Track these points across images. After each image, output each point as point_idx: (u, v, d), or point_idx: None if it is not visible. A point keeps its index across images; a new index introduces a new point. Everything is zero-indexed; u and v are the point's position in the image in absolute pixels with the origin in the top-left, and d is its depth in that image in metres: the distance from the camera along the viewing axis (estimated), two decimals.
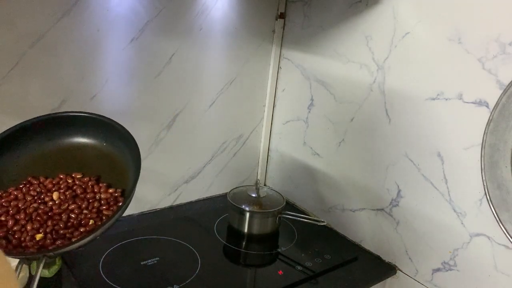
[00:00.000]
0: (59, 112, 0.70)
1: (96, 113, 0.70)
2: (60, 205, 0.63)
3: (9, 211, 0.61)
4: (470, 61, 0.83)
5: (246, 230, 1.10)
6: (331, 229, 1.18)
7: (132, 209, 1.13)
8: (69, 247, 0.55)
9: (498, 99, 0.79)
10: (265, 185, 1.41)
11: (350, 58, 1.07)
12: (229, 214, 1.14)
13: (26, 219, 0.60)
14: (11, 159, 0.65)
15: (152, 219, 1.15)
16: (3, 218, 0.59)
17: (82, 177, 0.67)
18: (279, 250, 1.06)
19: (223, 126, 1.26)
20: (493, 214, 0.81)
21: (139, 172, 0.64)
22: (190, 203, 1.26)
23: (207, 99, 1.19)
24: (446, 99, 0.88)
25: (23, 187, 0.64)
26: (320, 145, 1.20)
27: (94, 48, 0.95)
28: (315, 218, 1.13)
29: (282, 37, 1.27)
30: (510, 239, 0.79)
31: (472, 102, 0.84)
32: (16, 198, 0.63)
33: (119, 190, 0.66)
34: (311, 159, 1.23)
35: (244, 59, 1.22)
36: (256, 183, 1.15)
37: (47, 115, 0.69)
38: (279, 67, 1.30)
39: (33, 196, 0.63)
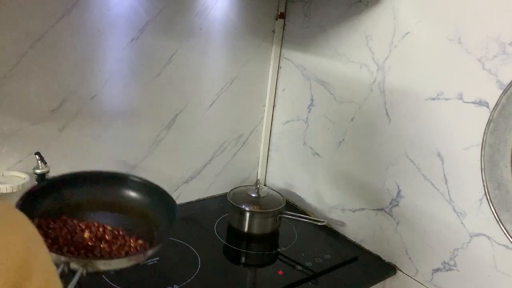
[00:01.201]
0: (119, 172, 0.81)
1: (146, 179, 0.80)
2: (93, 241, 0.69)
3: (49, 235, 0.66)
4: (470, 61, 0.83)
5: (246, 230, 1.10)
6: (331, 229, 1.18)
7: None
8: (108, 261, 0.63)
9: (498, 99, 0.79)
10: (265, 185, 1.41)
11: (350, 58, 1.07)
12: (229, 214, 1.14)
13: (65, 243, 0.66)
14: (69, 194, 0.73)
15: None
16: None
17: (112, 229, 0.74)
18: (279, 250, 1.06)
19: (223, 126, 1.26)
20: (493, 214, 0.81)
21: (171, 230, 0.71)
22: (190, 203, 1.26)
23: (207, 99, 1.19)
24: (446, 99, 0.88)
25: (65, 219, 0.71)
26: (320, 145, 1.20)
27: (94, 48, 0.95)
28: (315, 218, 1.13)
29: (282, 37, 1.27)
30: (510, 239, 0.79)
31: (472, 102, 0.84)
32: (59, 227, 0.68)
33: (147, 243, 0.72)
34: (311, 159, 1.23)
35: (244, 59, 1.22)
36: (256, 183, 1.15)
37: (109, 172, 0.79)
38: (279, 67, 1.30)
39: (68, 229, 0.69)
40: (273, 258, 1.04)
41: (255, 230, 1.10)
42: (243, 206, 1.09)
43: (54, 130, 0.95)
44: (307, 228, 1.15)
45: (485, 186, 0.82)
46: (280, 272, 0.98)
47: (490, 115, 0.80)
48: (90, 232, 0.69)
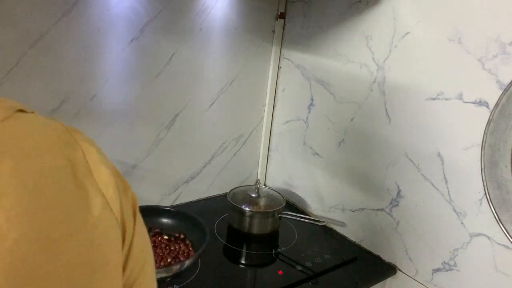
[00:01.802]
0: (165, 206, 1.02)
1: (187, 212, 1.00)
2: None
3: None
4: (470, 61, 0.83)
5: (246, 230, 1.10)
6: (331, 229, 1.18)
7: None
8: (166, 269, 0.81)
9: (498, 99, 0.79)
10: (265, 185, 1.41)
11: (350, 58, 1.07)
12: (229, 214, 1.14)
13: None
14: None
15: None
16: None
17: (168, 238, 0.97)
18: (279, 250, 1.06)
19: (223, 126, 1.26)
20: (493, 214, 0.81)
21: (203, 246, 0.89)
22: (190, 203, 1.26)
23: (207, 99, 1.19)
24: (446, 99, 0.88)
25: None
26: (320, 145, 1.20)
27: (94, 48, 0.95)
28: (315, 218, 1.13)
29: (282, 37, 1.27)
30: (510, 239, 0.79)
31: (472, 102, 0.84)
32: None
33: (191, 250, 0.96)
34: (311, 159, 1.23)
35: (244, 59, 1.22)
36: (256, 183, 1.15)
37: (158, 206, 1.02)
38: (279, 67, 1.30)
39: None
40: (273, 258, 1.04)
41: (255, 230, 1.10)
42: (243, 206, 1.09)
43: None
44: (307, 228, 1.15)
45: (485, 186, 0.82)
46: (280, 272, 0.98)
47: (490, 115, 0.80)
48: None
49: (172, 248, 0.93)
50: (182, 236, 0.98)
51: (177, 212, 0.97)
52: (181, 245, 0.95)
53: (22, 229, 0.24)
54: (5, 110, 0.28)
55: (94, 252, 0.29)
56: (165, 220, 0.96)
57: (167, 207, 0.99)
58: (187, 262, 0.86)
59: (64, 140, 0.32)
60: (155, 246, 0.92)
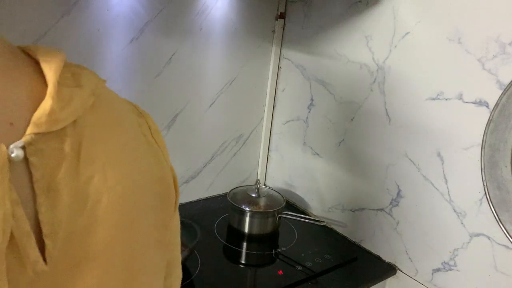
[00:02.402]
0: None
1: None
2: None
3: None
4: (470, 61, 0.83)
5: (246, 230, 1.10)
6: (331, 229, 1.18)
7: None
8: None
9: (498, 99, 0.79)
10: (265, 185, 1.41)
11: (350, 58, 1.07)
12: (229, 214, 1.14)
13: None
14: None
15: None
16: None
17: None
18: (279, 250, 1.06)
19: (223, 126, 1.26)
20: (493, 214, 0.81)
21: (195, 245, 0.93)
22: (190, 203, 1.26)
23: (207, 99, 1.19)
24: (446, 99, 0.88)
25: None
26: (320, 145, 1.20)
27: (94, 48, 0.95)
28: (315, 218, 1.13)
29: (282, 37, 1.27)
30: (510, 239, 0.79)
31: (472, 102, 0.84)
32: None
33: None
34: (311, 159, 1.23)
35: (244, 59, 1.22)
36: (256, 183, 1.15)
37: None
38: (279, 67, 1.30)
39: None
40: (273, 258, 1.04)
41: (255, 230, 1.10)
42: (243, 206, 1.09)
43: None
44: (307, 228, 1.15)
45: (485, 186, 0.82)
46: (280, 272, 0.98)
47: (490, 115, 0.80)
48: None
49: None
50: None
51: None
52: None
53: (118, 177, 0.31)
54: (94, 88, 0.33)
55: (165, 199, 0.37)
56: None
57: None
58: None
59: (132, 107, 0.39)
60: None
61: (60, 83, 0.29)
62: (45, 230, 0.26)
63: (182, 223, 0.97)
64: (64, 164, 0.28)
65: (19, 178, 0.26)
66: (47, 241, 0.26)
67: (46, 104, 0.27)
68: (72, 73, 0.31)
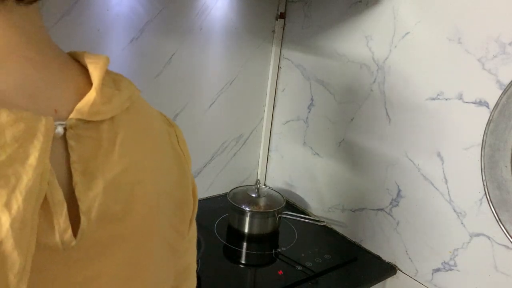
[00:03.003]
0: None
1: None
2: None
3: None
4: (470, 61, 0.83)
5: (246, 230, 1.10)
6: (331, 229, 1.18)
7: None
8: None
9: (498, 99, 0.79)
10: (265, 185, 1.41)
11: (350, 58, 1.07)
12: (229, 214, 1.14)
13: None
14: None
15: None
16: None
17: None
18: (279, 250, 1.06)
19: (223, 126, 1.26)
20: (493, 214, 0.81)
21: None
22: None
23: (207, 99, 1.19)
24: (446, 99, 0.88)
25: None
26: (320, 145, 1.20)
27: (94, 48, 0.95)
28: (315, 218, 1.13)
29: (282, 37, 1.27)
30: (510, 239, 0.79)
31: (472, 102, 0.84)
32: None
33: None
34: (311, 159, 1.23)
35: (244, 59, 1.22)
36: (256, 183, 1.15)
37: None
38: (279, 67, 1.30)
39: None
40: (273, 258, 1.04)
41: (255, 230, 1.10)
42: (243, 206, 1.09)
43: None
44: (307, 228, 1.15)
45: (485, 186, 0.82)
46: (280, 272, 0.98)
47: (490, 115, 0.80)
48: None
49: None
50: None
51: None
52: None
53: (147, 175, 0.34)
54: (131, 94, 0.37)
55: (183, 207, 0.40)
56: None
57: None
58: None
59: (163, 117, 0.43)
60: None
61: (103, 84, 0.32)
62: (82, 206, 0.29)
63: None
64: (100, 153, 0.30)
65: (57, 156, 0.28)
66: (83, 218, 0.28)
67: (91, 96, 0.31)
68: (113, 79, 0.35)
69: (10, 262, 0.24)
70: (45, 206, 0.27)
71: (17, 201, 0.24)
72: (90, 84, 0.32)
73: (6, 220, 0.24)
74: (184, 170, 0.41)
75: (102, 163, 0.30)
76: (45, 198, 0.26)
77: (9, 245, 0.24)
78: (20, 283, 0.24)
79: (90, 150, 0.30)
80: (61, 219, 0.27)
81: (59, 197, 0.27)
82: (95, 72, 0.32)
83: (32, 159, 0.26)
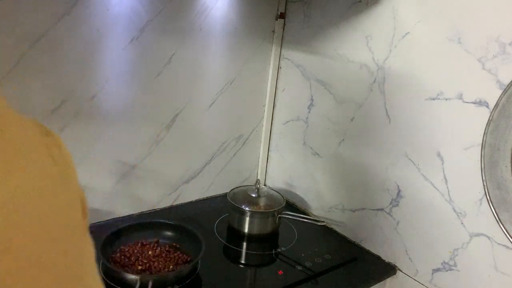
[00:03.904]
0: (157, 220, 1.06)
1: (185, 226, 1.02)
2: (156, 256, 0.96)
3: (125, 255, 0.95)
4: (470, 61, 0.83)
5: (246, 230, 1.10)
6: (331, 229, 1.18)
7: (132, 209, 1.13)
8: (162, 275, 0.89)
9: (498, 99, 0.79)
10: (265, 185, 1.41)
11: (350, 58, 1.07)
12: (229, 214, 1.14)
13: (133, 259, 0.93)
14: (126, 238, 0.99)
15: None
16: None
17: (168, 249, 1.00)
18: (279, 250, 1.06)
19: (223, 126, 1.26)
20: (493, 214, 0.81)
21: (200, 254, 0.92)
22: (190, 203, 1.26)
23: (207, 99, 1.19)
24: (446, 99, 0.88)
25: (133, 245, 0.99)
26: (320, 145, 1.20)
27: (94, 48, 0.95)
28: (315, 218, 1.13)
29: (282, 37, 1.27)
30: (510, 239, 0.79)
31: (472, 102, 0.84)
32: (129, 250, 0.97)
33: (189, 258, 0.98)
34: (311, 159, 1.23)
35: (244, 59, 1.22)
36: (256, 183, 1.15)
37: (150, 220, 1.06)
38: (279, 67, 1.30)
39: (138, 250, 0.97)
40: (273, 258, 1.04)
41: (255, 230, 1.10)
42: (243, 206, 1.09)
43: (54, 130, 0.94)
44: (307, 228, 1.15)
45: (485, 186, 0.82)
46: (280, 272, 0.98)
47: (490, 115, 0.80)
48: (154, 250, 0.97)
49: (171, 256, 0.95)
50: (178, 246, 1.00)
51: (178, 225, 1.02)
52: (180, 254, 0.97)
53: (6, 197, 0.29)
54: None
55: (68, 229, 0.35)
56: (168, 233, 1.02)
57: (169, 221, 1.03)
58: (184, 268, 0.91)
59: (38, 127, 0.37)
60: (158, 255, 0.96)
61: None
62: None
63: (187, 232, 0.98)
64: None
65: None
66: None
67: None
68: None
69: None
70: None
71: None
72: None
73: None
74: (66, 183, 0.36)
75: None
76: None
77: None
78: None
79: None
80: None
81: None
82: None
83: None
